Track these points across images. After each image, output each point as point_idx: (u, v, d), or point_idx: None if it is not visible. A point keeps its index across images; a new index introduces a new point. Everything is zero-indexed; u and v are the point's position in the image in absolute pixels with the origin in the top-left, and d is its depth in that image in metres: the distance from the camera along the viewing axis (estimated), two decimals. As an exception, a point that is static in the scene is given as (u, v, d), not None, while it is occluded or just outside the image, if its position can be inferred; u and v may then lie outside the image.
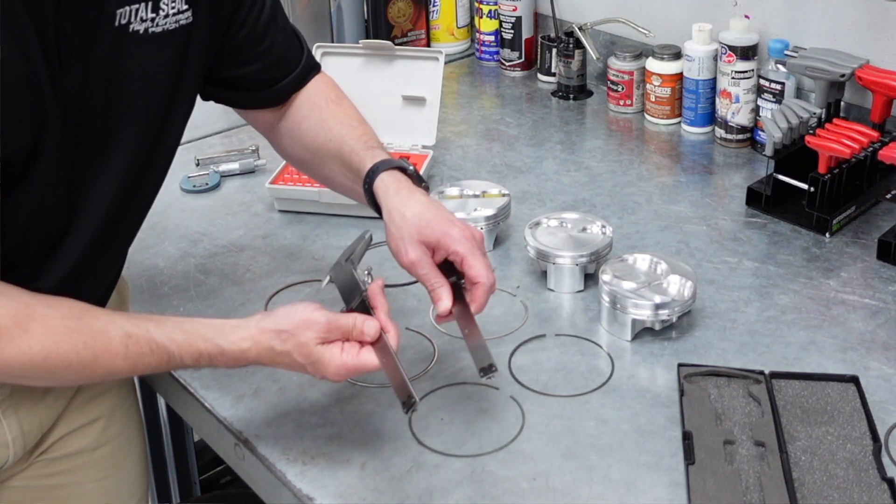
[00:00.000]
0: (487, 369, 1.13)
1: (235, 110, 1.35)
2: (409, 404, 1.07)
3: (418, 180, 1.21)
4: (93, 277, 1.13)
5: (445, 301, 1.13)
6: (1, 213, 0.96)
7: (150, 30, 1.04)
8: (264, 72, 1.27)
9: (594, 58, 1.96)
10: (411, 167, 1.21)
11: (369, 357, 1.06)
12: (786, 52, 1.71)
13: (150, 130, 1.09)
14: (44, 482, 1.23)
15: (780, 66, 1.72)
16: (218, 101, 1.31)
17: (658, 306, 1.27)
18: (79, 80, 0.99)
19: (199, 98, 1.25)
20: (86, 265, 1.09)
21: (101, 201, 1.07)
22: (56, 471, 1.24)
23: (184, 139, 1.89)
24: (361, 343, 1.07)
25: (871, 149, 1.53)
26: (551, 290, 1.40)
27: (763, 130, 1.72)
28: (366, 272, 1.14)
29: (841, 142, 1.51)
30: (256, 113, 1.32)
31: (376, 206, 1.20)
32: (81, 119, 1.01)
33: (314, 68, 1.32)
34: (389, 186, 1.17)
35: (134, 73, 1.04)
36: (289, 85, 1.29)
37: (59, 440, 1.23)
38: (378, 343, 1.08)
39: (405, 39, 2.23)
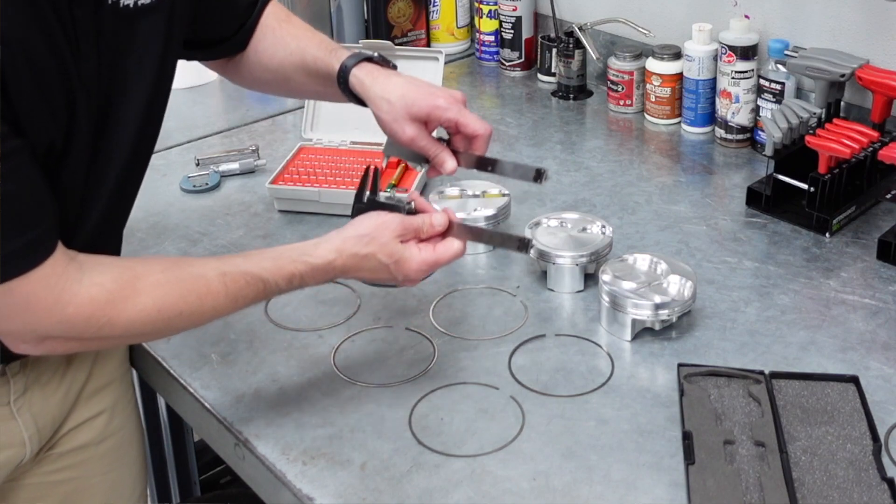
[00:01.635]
0: (523, 244, 1.21)
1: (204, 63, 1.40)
2: (524, 245, 1.19)
3: (386, 63, 1.28)
4: (104, 248, 1.16)
5: (449, 161, 1.23)
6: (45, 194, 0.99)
7: (140, 2, 1.05)
8: (233, 21, 1.32)
9: (594, 58, 1.96)
10: (375, 54, 1.28)
11: (444, 249, 1.16)
12: (786, 52, 1.71)
13: (145, 103, 1.12)
14: (51, 478, 1.25)
15: (780, 66, 1.72)
16: (192, 59, 1.35)
17: (658, 306, 1.27)
18: (95, 64, 1.01)
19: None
20: (97, 235, 1.12)
21: (111, 175, 1.10)
22: (63, 466, 1.25)
23: (184, 139, 1.92)
24: (431, 240, 1.17)
25: (871, 149, 1.53)
26: (551, 290, 1.40)
27: (763, 130, 1.72)
28: (388, 193, 1.23)
29: (841, 142, 1.51)
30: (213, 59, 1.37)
31: (357, 100, 1.27)
32: (99, 100, 1.04)
33: None
34: (364, 80, 1.24)
35: (129, 48, 1.07)
36: (251, 24, 1.33)
37: (65, 435, 1.25)
38: (450, 231, 1.18)
39: (405, 39, 2.23)
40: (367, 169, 1.24)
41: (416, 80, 1.24)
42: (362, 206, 1.22)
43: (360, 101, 1.27)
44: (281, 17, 1.36)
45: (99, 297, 0.98)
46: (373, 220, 1.16)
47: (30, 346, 1.01)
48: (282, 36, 1.33)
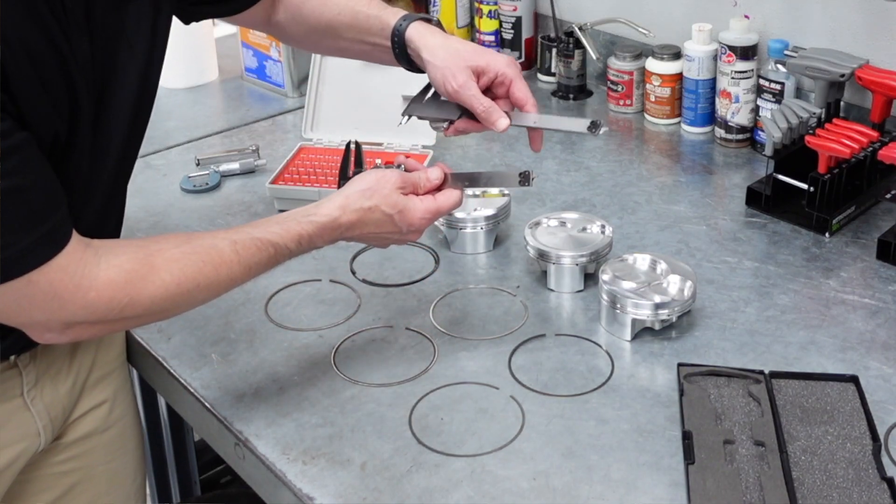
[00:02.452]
0: (525, 178, 1.23)
1: (224, 19, 1.41)
2: (525, 178, 1.22)
3: (443, 28, 1.29)
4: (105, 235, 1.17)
5: (502, 119, 1.22)
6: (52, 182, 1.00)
7: None
8: None
9: (594, 58, 1.96)
10: (435, 17, 1.30)
11: (445, 198, 1.20)
12: (786, 52, 1.71)
13: (138, 86, 1.12)
14: (57, 469, 1.27)
15: (779, 66, 1.72)
16: (206, 17, 1.36)
17: (658, 306, 1.27)
18: (88, 52, 1.02)
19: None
20: (100, 222, 1.13)
21: (109, 161, 1.11)
22: (68, 456, 1.27)
23: (184, 139, 1.92)
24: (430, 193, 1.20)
25: (871, 149, 1.53)
26: (551, 290, 1.40)
27: (763, 130, 1.72)
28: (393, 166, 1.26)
29: (841, 142, 1.51)
30: (246, 15, 1.36)
31: (406, 58, 1.28)
32: (95, 86, 1.05)
33: None
34: (424, 32, 1.26)
35: (119, 32, 1.07)
36: None
37: (71, 424, 1.26)
38: (446, 184, 1.21)
39: (405, 39, 2.22)
40: (349, 144, 1.25)
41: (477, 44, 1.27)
42: (416, 101, 1.23)
43: (408, 62, 1.29)
44: None
45: (118, 278, 1.00)
46: (372, 175, 1.18)
47: (55, 335, 1.02)
48: None
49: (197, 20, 1.33)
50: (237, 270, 1.08)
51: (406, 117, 1.28)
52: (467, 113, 1.25)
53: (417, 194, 1.20)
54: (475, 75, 1.23)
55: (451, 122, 1.25)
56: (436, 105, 1.27)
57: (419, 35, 1.25)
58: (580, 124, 1.23)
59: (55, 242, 0.96)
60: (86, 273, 0.98)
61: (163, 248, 1.05)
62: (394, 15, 1.29)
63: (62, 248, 0.96)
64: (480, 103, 1.22)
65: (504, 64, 1.23)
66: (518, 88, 1.24)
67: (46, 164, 0.97)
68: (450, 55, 1.23)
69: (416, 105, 1.28)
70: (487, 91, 1.25)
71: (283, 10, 1.36)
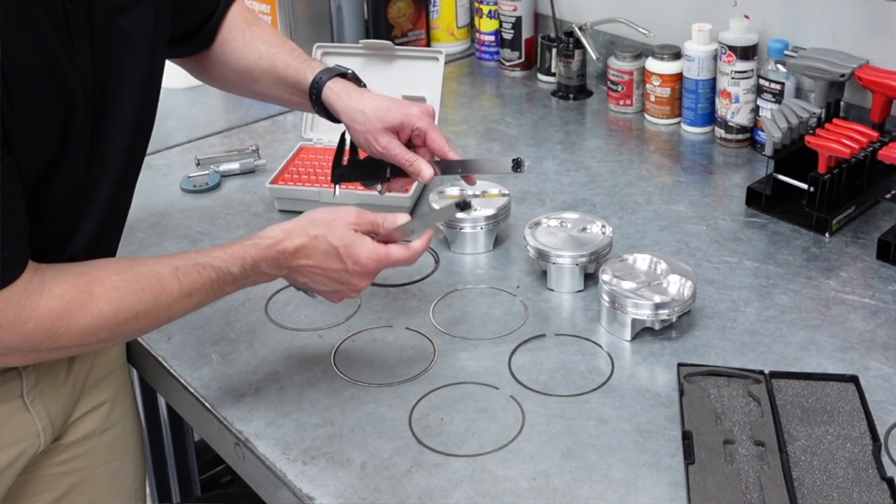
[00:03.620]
0: (517, 164, 1.27)
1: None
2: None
3: (358, 81, 1.32)
4: (108, 241, 1.18)
5: (426, 169, 1.26)
6: (42, 189, 1.01)
7: None
8: (201, 15, 1.34)
9: (594, 58, 1.96)
10: (349, 70, 1.32)
11: (398, 249, 1.17)
12: (786, 52, 1.71)
13: (140, 94, 1.12)
14: (57, 469, 1.26)
15: (779, 66, 1.72)
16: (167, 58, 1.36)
17: (658, 306, 1.27)
18: (88, 58, 1.02)
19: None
20: (102, 229, 1.13)
21: (112, 168, 1.11)
22: (69, 457, 1.27)
23: (184, 139, 1.92)
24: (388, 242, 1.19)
25: (871, 149, 1.53)
26: (551, 290, 1.40)
27: (763, 130, 1.72)
28: None
29: (841, 142, 1.51)
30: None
31: (326, 113, 1.31)
32: (95, 93, 1.05)
33: None
34: (340, 92, 1.29)
35: (122, 40, 1.07)
36: (217, 19, 1.36)
37: (71, 425, 1.26)
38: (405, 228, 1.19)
39: (405, 39, 2.23)
40: (343, 134, 1.26)
41: (390, 96, 1.29)
42: (344, 169, 1.24)
43: (327, 113, 1.31)
44: (249, 18, 1.38)
45: (58, 308, 0.99)
46: (329, 209, 1.18)
47: None
48: (252, 39, 1.36)
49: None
50: (177, 296, 1.06)
51: (338, 186, 1.34)
52: (394, 168, 1.30)
53: (375, 233, 1.18)
54: (395, 132, 1.27)
55: (386, 181, 1.30)
56: (362, 167, 1.33)
57: (336, 97, 1.29)
58: (504, 165, 1.29)
59: (7, 275, 0.96)
60: (28, 304, 0.97)
61: (103, 275, 1.03)
62: (311, 70, 1.31)
63: (13, 281, 0.96)
64: (406, 159, 1.26)
65: (416, 117, 1.26)
66: (433, 140, 1.27)
67: (20, 193, 0.96)
68: (367, 119, 1.26)
69: (345, 171, 1.33)
70: (408, 143, 1.30)
71: (211, 47, 1.38)
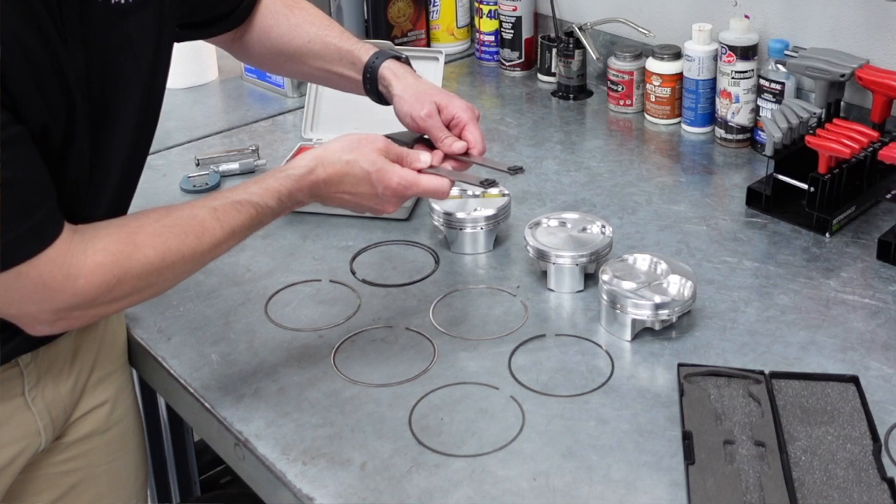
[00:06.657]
0: (513, 169, 1.26)
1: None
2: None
3: (410, 65, 1.35)
4: None
5: (457, 142, 1.27)
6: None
7: None
8: (226, 2, 1.35)
9: (594, 58, 1.96)
10: (405, 55, 1.35)
11: (429, 178, 1.20)
12: (786, 52, 1.71)
13: (142, 98, 1.13)
14: (59, 469, 1.27)
15: (780, 66, 1.72)
16: (188, 40, 1.38)
17: (658, 306, 1.27)
18: (83, 61, 1.02)
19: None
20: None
21: (114, 169, 1.12)
22: (70, 456, 1.27)
23: (184, 139, 1.92)
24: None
25: (871, 149, 1.53)
26: (551, 290, 1.40)
27: (763, 130, 1.72)
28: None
29: (841, 142, 1.51)
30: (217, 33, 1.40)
31: (376, 91, 1.34)
32: (95, 97, 1.05)
33: None
34: (397, 71, 1.32)
35: (123, 45, 1.08)
36: (249, 2, 1.37)
37: (72, 424, 1.26)
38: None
39: (405, 39, 2.23)
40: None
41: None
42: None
43: (377, 94, 1.34)
44: (288, 2, 1.40)
45: (105, 261, 1.00)
46: (357, 135, 1.19)
47: (46, 326, 1.03)
48: (299, 22, 1.38)
49: (185, 40, 1.35)
50: (220, 237, 1.08)
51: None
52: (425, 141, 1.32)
53: (401, 164, 1.21)
54: (439, 109, 1.29)
55: (416, 142, 1.31)
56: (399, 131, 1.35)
57: (392, 74, 1.31)
58: (502, 166, 1.28)
59: (44, 236, 0.96)
60: (74, 262, 0.98)
61: (143, 224, 1.05)
62: (366, 51, 1.34)
63: (51, 241, 0.97)
64: (439, 132, 1.28)
65: (462, 108, 1.28)
66: (471, 131, 1.28)
67: (38, 158, 0.97)
68: (418, 92, 1.29)
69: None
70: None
71: (252, 31, 1.39)
